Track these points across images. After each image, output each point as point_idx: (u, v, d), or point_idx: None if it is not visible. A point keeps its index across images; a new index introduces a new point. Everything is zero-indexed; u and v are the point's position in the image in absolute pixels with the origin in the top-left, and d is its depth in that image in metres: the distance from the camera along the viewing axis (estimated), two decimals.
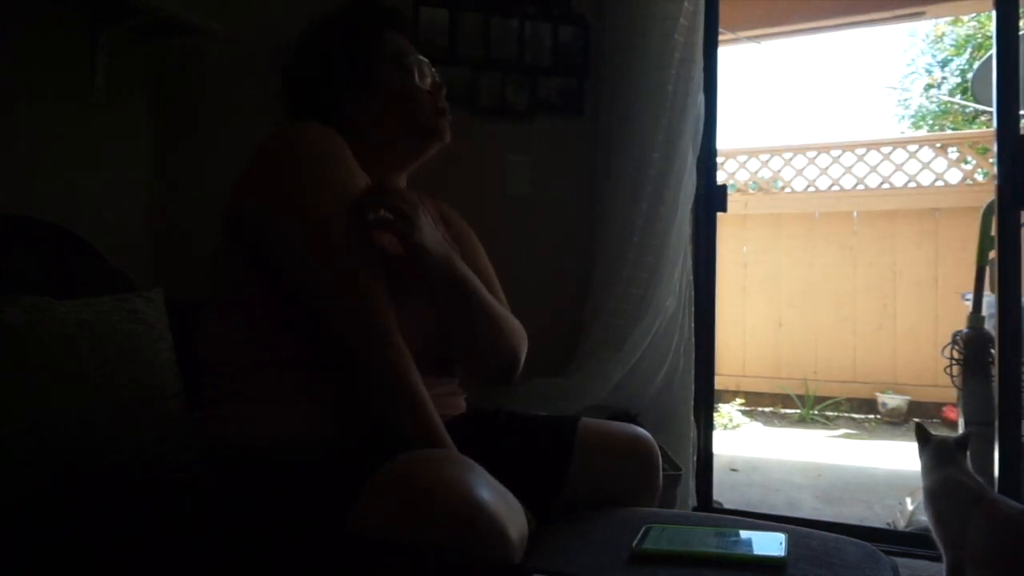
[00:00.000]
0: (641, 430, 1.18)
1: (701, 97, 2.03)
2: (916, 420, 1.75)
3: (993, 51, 2.02)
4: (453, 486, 0.74)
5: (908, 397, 4.66)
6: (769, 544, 0.89)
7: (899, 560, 2.01)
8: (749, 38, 3.85)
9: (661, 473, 1.16)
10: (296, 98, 1.13)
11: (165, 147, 1.97)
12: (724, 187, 2.23)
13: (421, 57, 1.14)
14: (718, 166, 5.30)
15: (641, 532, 0.92)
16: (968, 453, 1.63)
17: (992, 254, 2.21)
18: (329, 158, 0.97)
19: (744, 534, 0.93)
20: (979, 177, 5.06)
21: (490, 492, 0.75)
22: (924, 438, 1.67)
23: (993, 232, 2.06)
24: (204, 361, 1.03)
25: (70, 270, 1.38)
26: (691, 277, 2.09)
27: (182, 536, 0.84)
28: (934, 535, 1.61)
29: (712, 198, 2.20)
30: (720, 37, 2.23)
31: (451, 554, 0.69)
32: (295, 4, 1.98)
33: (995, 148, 2.00)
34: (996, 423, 2.02)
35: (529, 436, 1.11)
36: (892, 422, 4.59)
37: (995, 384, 2.04)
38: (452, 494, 0.73)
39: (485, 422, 1.12)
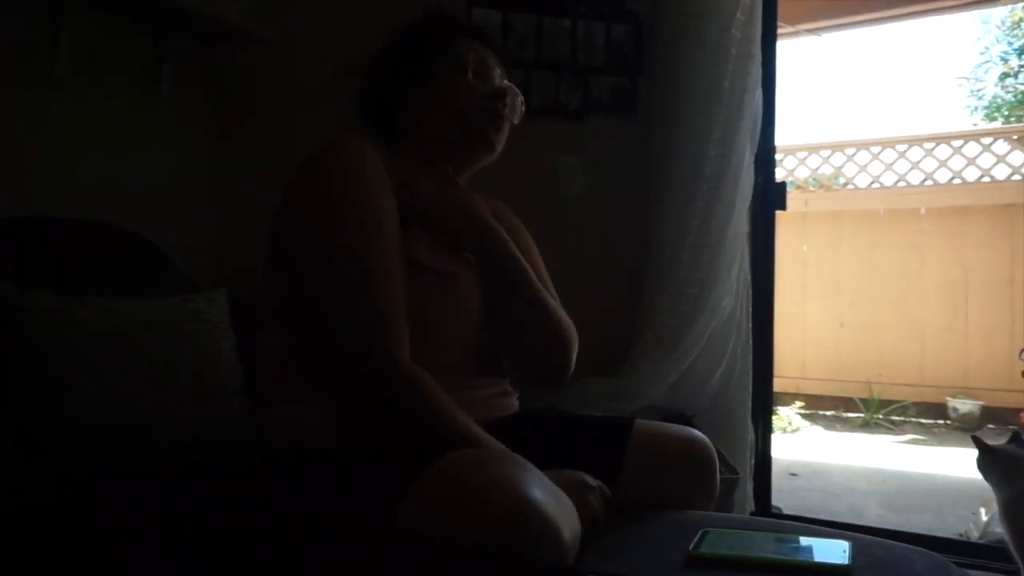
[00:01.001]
0: (697, 432, 1.16)
1: (759, 93, 1.98)
2: (973, 434, 1.66)
3: None
4: (505, 485, 0.74)
5: (981, 402, 4.44)
6: (832, 551, 0.86)
7: (973, 574, 1.93)
8: (809, 31, 3.75)
9: (718, 477, 1.13)
10: (368, 104, 1.15)
11: (227, 151, 2.04)
12: (783, 184, 2.18)
13: (491, 63, 1.12)
14: (777, 163, 5.20)
15: (698, 536, 0.90)
16: None
17: None
18: (352, 175, 0.97)
19: (805, 540, 0.91)
20: None
21: (542, 491, 0.75)
22: (986, 449, 1.59)
23: None
24: (257, 364, 1.06)
25: (137, 271, 1.44)
26: (749, 277, 2.04)
27: (238, 531, 0.87)
28: (1012, 549, 1.53)
29: (770, 196, 2.14)
30: (779, 31, 2.17)
31: (504, 553, 0.69)
32: (351, 13, 2.05)
33: None
34: None
35: (582, 436, 1.10)
36: (963, 428, 4.38)
37: None
38: (504, 493, 0.73)
39: (538, 421, 1.12)
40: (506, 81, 1.13)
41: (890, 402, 4.68)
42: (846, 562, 0.83)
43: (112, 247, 1.45)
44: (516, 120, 1.15)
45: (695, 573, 0.82)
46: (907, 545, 0.94)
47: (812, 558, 0.85)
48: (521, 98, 1.14)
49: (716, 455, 1.14)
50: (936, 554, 0.92)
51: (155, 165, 1.84)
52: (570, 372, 1.15)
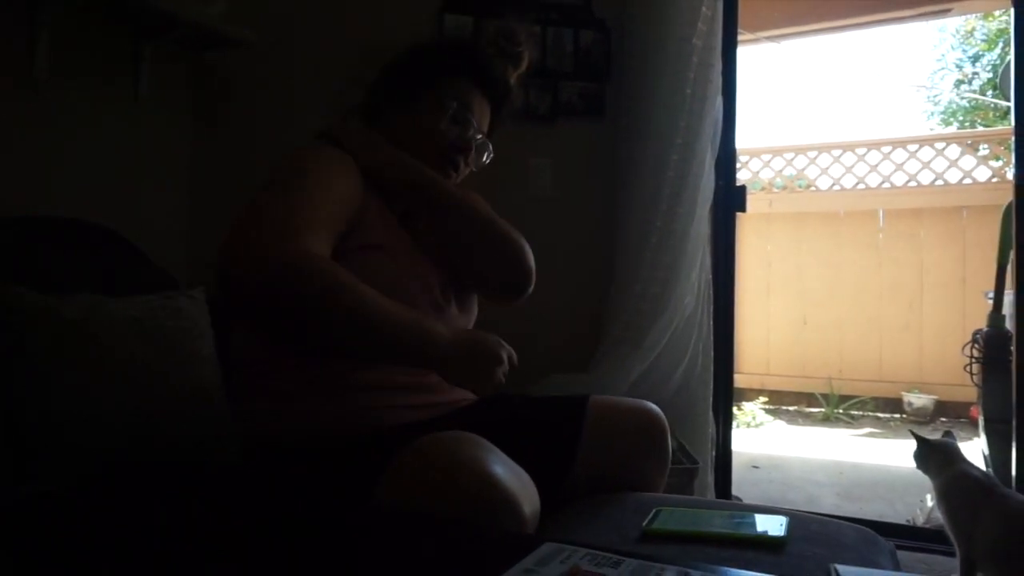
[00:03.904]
0: (648, 403, 1.23)
1: (719, 100, 2.07)
2: (910, 428, 1.79)
3: (1012, 53, 2.03)
4: (471, 464, 0.81)
5: (935, 397, 4.63)
6: (771, 525, 0.94)
7: (918, 556, 2.05)
8: (768, 38, 3.86)
9: (670, 444, 1.20)
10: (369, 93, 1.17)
11: (206, 152, 2.07)
12: (743, 187, 2.27)
13: (478, 111, 1.13)
14: (742, 165, 5.33)
15: (651, 514, 0.98)
16: None
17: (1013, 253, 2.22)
18: (309, 159, 1.01)
19: (747, 516, 0.99)
20: (1009, 174, 5.00)
21: (504, 469, 0.82)
22: (923, 442, 1.71)
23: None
24: (235, 359, 1.10)
25: (115, 269, 1.47)
26: (710, 276, 2.13)
27: (221, 519, 0.91)
28: (948, 531, 1.63)
29: (731, 198, 2.24)
30: (740, 37, 2.27)
31: (467, 526, 0.75)
32: (330, 17, 2.09)
33: (1013, 148, 2.01)
34: (1014, 421, 2.04)
35: (543, 413, 1.16)
36: (918, 421, 4.56)
37: (1014, 382, 2.06)
38: (470, 471, 0.80)
39: (502, 403, 1.16)
40: (480, 136, 1.15)
41: (849, 397, 4.85)
42: (782, 534, 0.91)
43: (90, 245, 1.47)
44: (476, 168, 1.18)
45: (648, 547, 0.89)
46: (840, 520, 1.02)
47: (753, 531, 0.93)
48: (489, 151, 1.17)
49: (667, 424, 1.21)
50: (866, 528, 1.01)
51: (133, 165, 1.87)
52: (533, 277, 1.17)
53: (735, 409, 3.62)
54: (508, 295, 1.18)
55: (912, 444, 1.56)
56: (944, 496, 1.63)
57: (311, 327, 0.89)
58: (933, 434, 1.68)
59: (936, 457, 1.68)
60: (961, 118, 9.19)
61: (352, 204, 1.01)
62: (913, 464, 1.61)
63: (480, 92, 1.15)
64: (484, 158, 1.17)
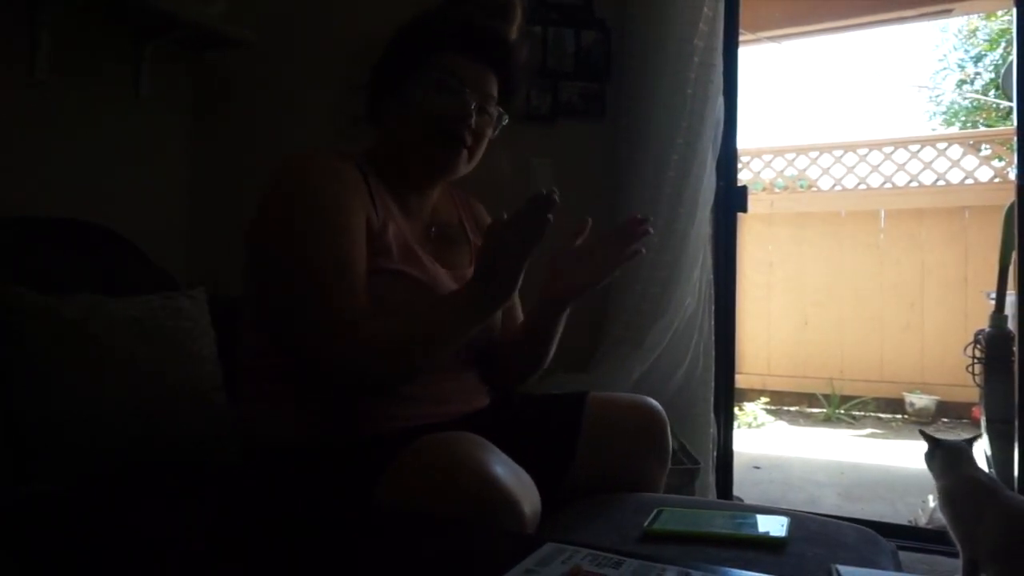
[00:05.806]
0: (646, 397, 1.22)
1: (721, 100, 2.07)
2: (921, 429, 1.78)
3: (1014, 52, 2.03)
4: (470, 464, 0.81)
5: (936, 397, 4.62)
6: (772, 525, 0.94)
7: (919, 556, 2.04)
8: (769, 38, 3.85)
9: (669, 438, 1.19)
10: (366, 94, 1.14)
11: (206, 152, 2.07)
12: (744, 188, 2.26)
13: (475, 79, 1.06)
14: (743, 165, 5.32)
15: (653, 514, 0.98)
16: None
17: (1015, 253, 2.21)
18: (312, 181, 0.99)
19: (749, 516, 0.99)
20: (1011, 175, 4.99)
21: (504, 469, 0.82)
22: (933, 442, 1.70)
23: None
24: (238, 362, 1.10)
25: (119, 270, 1.47)
26: (711, 276, 2.12)
27: (221, 519, 0.91)
28: (951, 533, 1.63)
29: (732, 198, 2.23)
30: (740, 38, 2.26)
31: (467, 526, 0.75)
32: (331, 18, 2.09)
33: (1015, 148, 2.01)
34: (1016, 421, 2.03)
35: (542, 412, 1.16)
36: (919, 422, 4.55)
37: (1016, 382, 2.05)
38: (470, 471, 0.80)
39: (502, 403, 1.17)
40: (475, 104, 1.06)
41: (851, 397, 4.84)
42: (783, 534, 0.91)
43: (90, 245, 1.47)
44: (492, 134, 1.11)
45: (649, 547, 0.89)
46: (841, 521, 1.02)
47: (754, 531, 0.93)
48: (503, 116, 1.10)
49: (666, 418, 1.20)
50: (867, 528, 1.01)
51: (133, 165, 1.87)
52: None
53: (736, 409, 3.62)
54: (495, 385, 1.21)
55: (916, 444, 1.55)
56: (948, 499, 1.63)
57: (405, 376, 0.98)
58: (934, 434, 1.67)
59: (943, 458, 1.67)
60: (963, 118, 9.18)
61: (364, 234, 1.00)
62: (915, 464, 1.59)
63: (471, 56, 1.06)
64: (496, 127, 1.11)
